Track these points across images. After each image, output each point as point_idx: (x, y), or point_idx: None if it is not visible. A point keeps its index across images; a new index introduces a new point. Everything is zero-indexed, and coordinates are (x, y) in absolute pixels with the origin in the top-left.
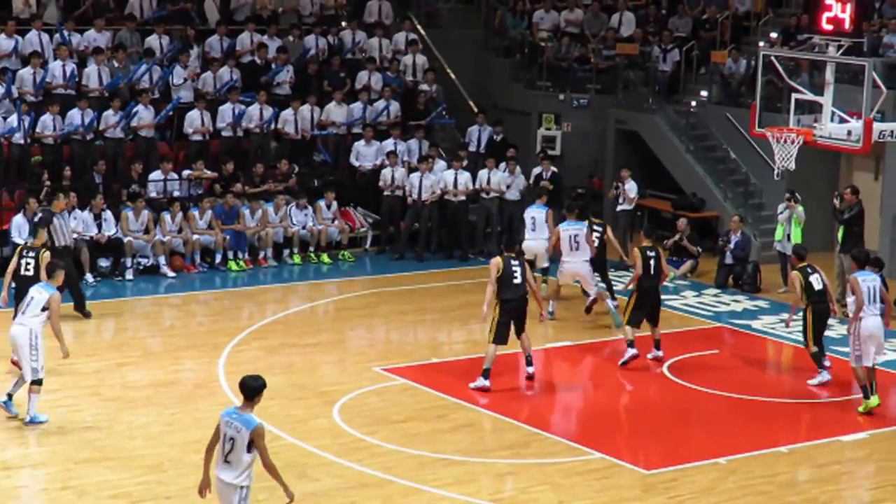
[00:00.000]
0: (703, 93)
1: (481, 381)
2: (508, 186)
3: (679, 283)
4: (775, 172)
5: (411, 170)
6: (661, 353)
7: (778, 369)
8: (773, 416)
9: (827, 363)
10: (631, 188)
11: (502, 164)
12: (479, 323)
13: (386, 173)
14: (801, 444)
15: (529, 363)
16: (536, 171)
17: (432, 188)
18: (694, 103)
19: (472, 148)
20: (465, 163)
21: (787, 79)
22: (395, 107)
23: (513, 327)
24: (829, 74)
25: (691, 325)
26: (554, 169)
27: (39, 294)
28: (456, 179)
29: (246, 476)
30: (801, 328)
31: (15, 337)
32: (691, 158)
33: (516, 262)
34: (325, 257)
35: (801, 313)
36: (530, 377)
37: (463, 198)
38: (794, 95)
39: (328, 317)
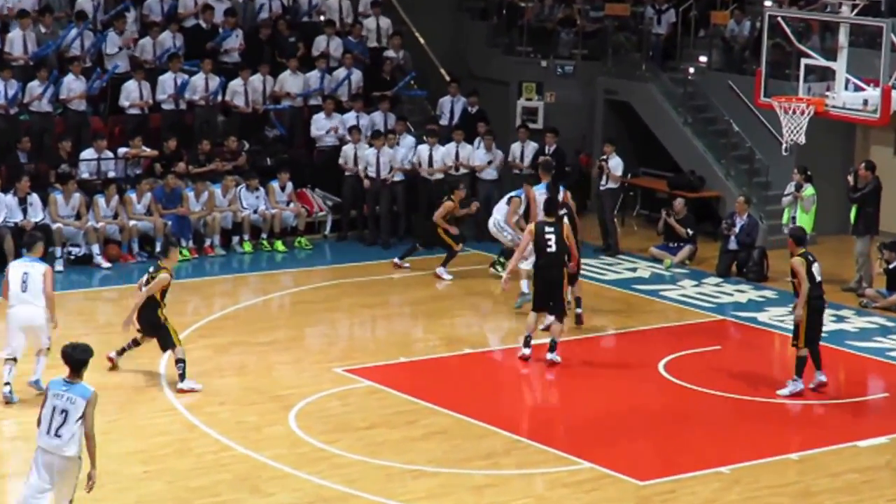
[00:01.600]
0: (703, 58)
1: (523, 350)
2: (490, 163)
3: (676, 271)
4: (783, 147)
5: (369, 146)
6: (556, 358)
7: (787, 367)
8: (781, 419)
9: (822, 377)
10: (616, 165)
11: (477, 140)
12: (452, 317)
13: (347, 150)
14: (813, 451)
15: (552, 349)
16: (517, 146)
17: (391, 164)
18: (692, 70)
19: (444, 121)
20: (439, 138)
21: (796, 42)
22: (356, 76)
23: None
24: (843, 37)
25: (690, 318)
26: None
27: (33, 268)
28: (431, 156)
29: (80, 447)
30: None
31: (32, 319)
32: (689, 132)
33: (551, 229)
34: (279, 245)
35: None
36: (551, 363)
37: (440, 176)
38: (803, 61)
39: (283, 312)
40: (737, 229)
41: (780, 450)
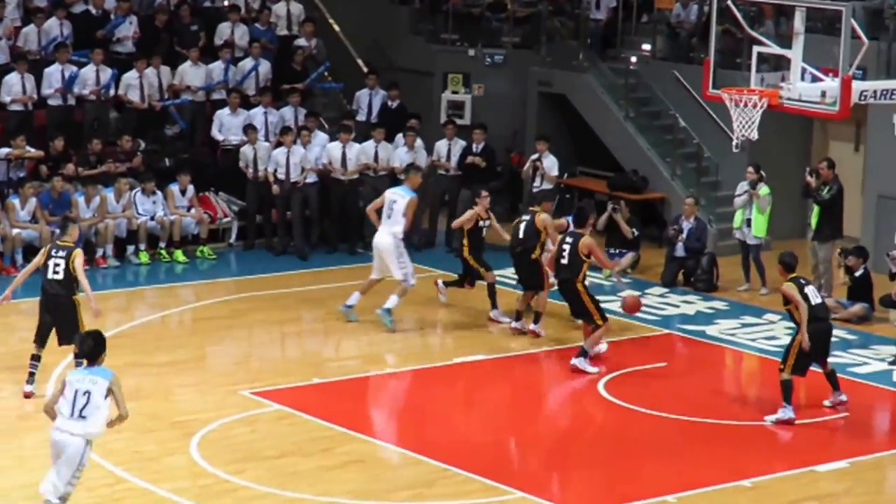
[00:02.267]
0: (646, 46)
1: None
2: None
3: (617, 280)
4: (734, 144)
5: (278, 144)
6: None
7: (739, 385)
8: (733, 443)
9: (842, 396)
10: (551, 164)
11: (398, 137)
12: (370, 333)
13: (246, 151)
14: (767, 476)
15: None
16: (444, 144)
17: (303, 165)
18: (634, 59)
19: (362, 117)
20: (353, 134)
21: (748, 28)
22: (264, 67)
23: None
24: (799, 22)
25: (633, 332)
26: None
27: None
28: (344, 155)
29: (100, 427)
30: (784, 345)
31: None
32: (631, 127)
33: (569, 240)
34: (179, 255)
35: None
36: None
37: (355, 176)
38: (755, 48)
39: (184, 329)
40: (684, 234)
41: (732, 476)
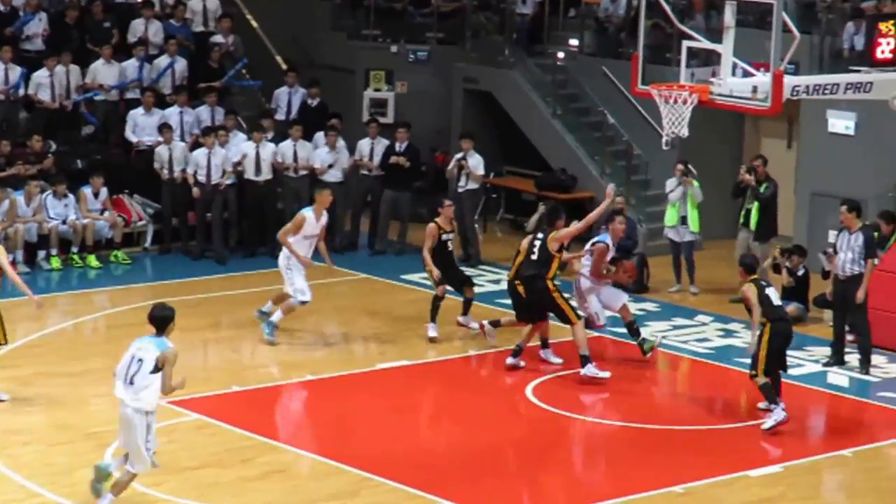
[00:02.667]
0: (573, 42)
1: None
2: (331, 166)
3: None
4: (664, 141)
5: (195, 145)
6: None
7: (671, 389)
8: (664, 448)
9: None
10: (476, 163)
11: (319, 136)
12: (290, 340)
13: (161, 152)
14: (699, 482)
15: (584, 362)
16: (366, 143)
17: (223, 167)
18: (562, 55)
19: (281, 115)
20: (270, 134)
21: (678, 22)
22: (180, 64)
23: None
24: (730, 16)
25: (561, 335)
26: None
27: None
28: (258, 155)
29: (151, 401)
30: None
31: None
32: (559, 125)
33: (539, 236)
34: (92, 260)
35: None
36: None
37: (269, 177)
38: (685, 43)
39: (98, 336)
40: None
41: (663, 482)
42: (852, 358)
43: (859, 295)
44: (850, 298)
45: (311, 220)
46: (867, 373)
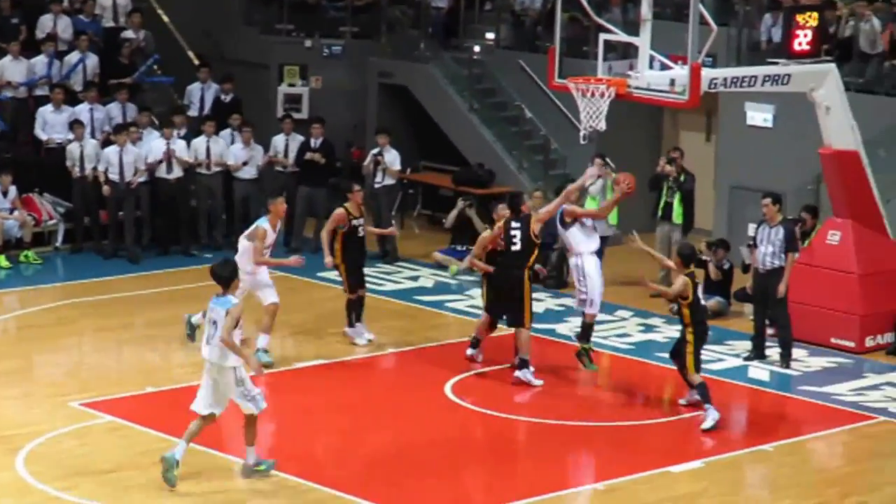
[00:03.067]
0: (490, 35)
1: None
2: (245, 163)
3: (464, 278)
4: (581, 135)
5: (107, 142)
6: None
7: (591, 385)
8: (584, 445)
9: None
10: (392, 159)
11: (227, 132)
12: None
13: (73, 149)
14: (621, 479)
15: (522, 365)
16: (281, 139)
17: (136, 165)
18: (478, 49)
19: (194, 111)
20: (182, 131)
21: (594, 15)
22: (92, 61)
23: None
24: (646, 8)
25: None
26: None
27: None
28: (169, 151)
29: (235, 357)
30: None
31: None
32: (476, 119)
33: (516, 224)
34: (1, 260)
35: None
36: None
37: (180, 174)
38: (602, 36)
39: (8, 338)
40: None
41: (584, 479)
42: (773, 352)
43: (781, 289)
44: (771, 292)
45: (269, 231)
46: (788, 367)
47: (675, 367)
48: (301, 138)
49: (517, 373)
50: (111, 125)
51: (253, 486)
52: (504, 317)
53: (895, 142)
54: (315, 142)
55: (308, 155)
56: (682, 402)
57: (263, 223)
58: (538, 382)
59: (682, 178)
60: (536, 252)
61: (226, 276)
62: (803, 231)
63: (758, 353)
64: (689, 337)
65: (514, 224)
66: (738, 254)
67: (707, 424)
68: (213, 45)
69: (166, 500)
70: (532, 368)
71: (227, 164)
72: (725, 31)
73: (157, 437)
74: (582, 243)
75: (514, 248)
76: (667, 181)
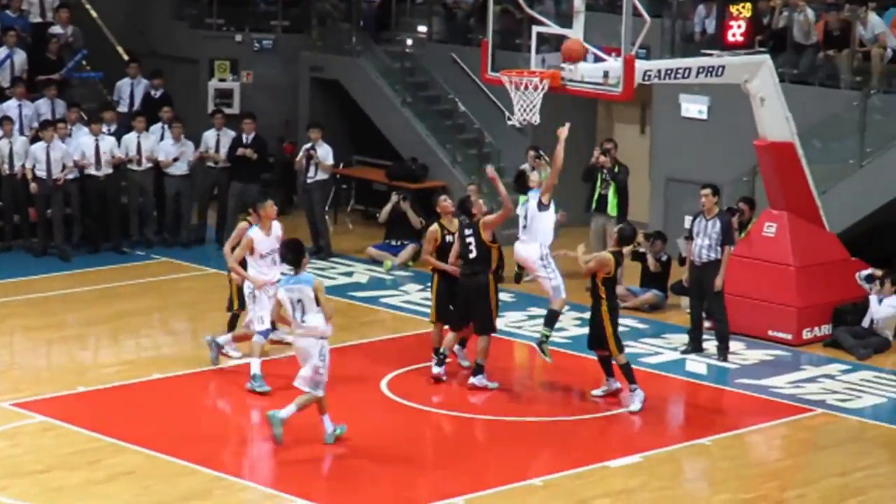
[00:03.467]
0: (422, 28)
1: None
2: (176, 159)
3: (398, 273)
4: (512, 121)
5: (35, 139)
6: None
7: (528, 379)
8: (521, 440)
9: (616, 384)
10: (325, 153)
11: (157, 126)
12: (139, 338)
13: (1, 146)
14: (559, 474)
15: (477, 371)
16: (212, 134)
17: (63, 161)
18: (410, 42)
19: (124, 107)
20: (112, 127)
21: (527, 7)
22: (19, 56)
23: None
24: (579, 0)
25: (415, 327)
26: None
27: None
28: (98, 148)
29: (322, 324)
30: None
31: None
32: (409, 113)
33: (469, 231)
34: None
35: (596, 312)
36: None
37: (109, 171)
38: (535, 28)
39: None
40: None
41: (522, 475)
42: (710, 345)
43: (718, 282)
44: (707, 285)
45: (261, 237)
46: (725, 360)
47: (596, 357)
48: (232, 133)
49: (473, 379)
50: (40, 121)
51: (185, 485)
52: (469, 324)
53: (830, 133)
54: (247, 137)
55: (240, 150)
56: (595, 392)
57: (254, 232)
58: (494, 385)
59: (616, 169)
60: (495, 254)
61: (294, 258)
62: (741, 222)
63: (695, 347)
64: (605, 314)
65: (466, 231)
66: (674, 246)
67: (635, 406)
68: (143, 40)
69: (98, 500)
70: (486, 374)
71: (157, 160)
72: (659, 22)
73: (90, 436)
74: (549, 233)
75: (471, 255)
76: (601, 173)
